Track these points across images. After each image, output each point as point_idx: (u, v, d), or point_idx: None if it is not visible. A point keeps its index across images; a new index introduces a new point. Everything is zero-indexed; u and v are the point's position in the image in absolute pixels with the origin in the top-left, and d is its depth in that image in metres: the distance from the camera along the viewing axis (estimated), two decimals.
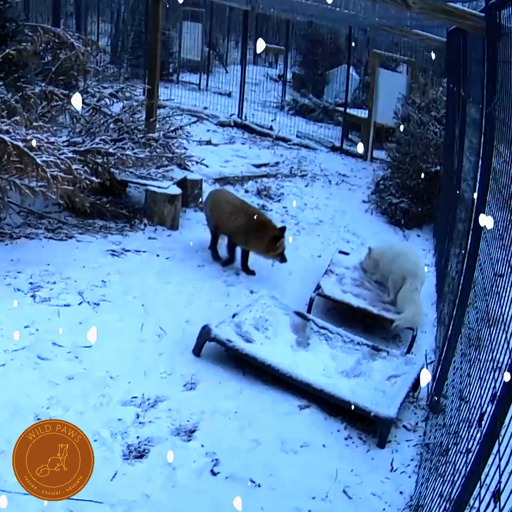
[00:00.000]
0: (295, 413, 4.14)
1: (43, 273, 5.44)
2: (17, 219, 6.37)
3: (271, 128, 12.96)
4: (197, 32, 17.01)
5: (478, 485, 2.08)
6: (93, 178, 6.07)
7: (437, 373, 4.37)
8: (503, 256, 2.61)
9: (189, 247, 6.52)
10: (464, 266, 3.97)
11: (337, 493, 3.51)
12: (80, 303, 5.08)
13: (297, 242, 7.23)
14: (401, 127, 8.77)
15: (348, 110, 13.07)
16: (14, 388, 3.89)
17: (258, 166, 10.23)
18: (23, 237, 6.08)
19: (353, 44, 14.45)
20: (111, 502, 3.17)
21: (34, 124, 6.04)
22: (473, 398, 2.64)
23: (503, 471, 1.82)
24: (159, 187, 7.03)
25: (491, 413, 2.07)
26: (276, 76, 19.85)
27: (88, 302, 5.11)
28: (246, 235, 6.13)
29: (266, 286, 5.80)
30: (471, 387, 2.90)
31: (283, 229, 6.10)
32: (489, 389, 2.27)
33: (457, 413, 3.30)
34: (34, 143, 5.39)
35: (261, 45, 3.13)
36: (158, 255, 6.31)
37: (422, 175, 8.06)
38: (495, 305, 2.69)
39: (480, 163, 3.84)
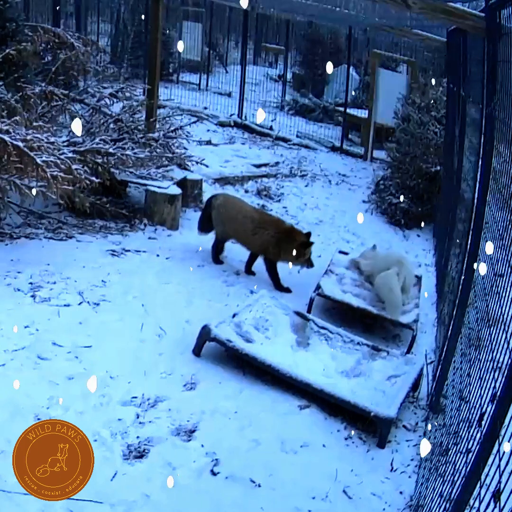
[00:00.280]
0: (295, 413, 4.13)
1: (43, 273, 5.44)
2: (17, 219, 6.37)
3: (271, 128, 12.96)
4: (197, 32, 17.01)
5: (478, 485, 2.08)
6: (93, 178, 6.07)
7: (437, 373, 4.36)
8: (503, 256, 2.61)
9: (189, 247, 6.52)
10: (464, 266, 3.97)
11: (337, 493, 3.51)
12: (80, 303, 5.08)
13: None
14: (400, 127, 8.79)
15: (348, 110, 13.07)
16: (14, 388, 3.89)
17: (258, 166, 10.23)
18: (23, 237, 6.08)
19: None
20: (111, 502, 3.17)
21: (34, 124, 6.04)
22: (473, 398, 2.64)
23: (503, 471, 1.82)
24: (159, 187, 7.04)
25: (491, 413, 2.07)
26: (276, 76, 19.84)
27: (88, 302, 5.12)
28: (277, 247, 5.98)
29: (266, 286, 5.80)
30: (471, 387, 2.90)
31: (309, 234, 6.02)
32: (489, 389, 2.27)
33: (457, 413, 3.30)
34: (34, 143, 5.39)
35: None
36: (158, 255, 6.31)
37: (423, 176, 8.06)
38: (495, 305, 2.69)
39: (480, 163, 3.84)
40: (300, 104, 15.45)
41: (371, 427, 4.07)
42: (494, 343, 2.42)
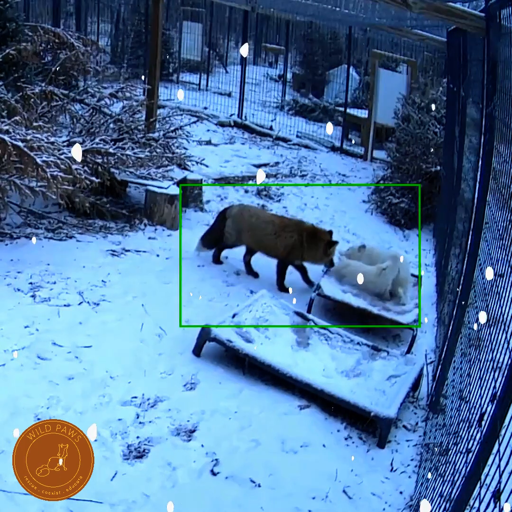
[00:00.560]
0: (295, 413, 4.13)
1: (43, 273, 5.45)
2: (17, 219, 6.37)
3: (271, 128, 12.96)
4: (197, 32, 17.00)
5: (478, 485, 2.08)
6: (93, 178, 6.07)
7: (437, 373, 4.36)
8: (503, 256, 2.61)
9: (189, 247, 6.51)
10: (464, 266, 3.97)
11: (337, 493, 3.51)
12: (80, 303, 5.08)
13: None
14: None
15: (348, 110, 13.06)
16: (14, 388, 3.89)
17: (258, 166, 10.21)
18: (23, 237, 6.08)
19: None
20: (111, 502, 3.17)
21: (34, 124, 6.04)
22: (473, 398, 2.64)
23: (503, 471, 1.82)
24: (159, 187, 7.03)
25: (491, 413, 2.07)
26: (276, 76, 19.84)
27: (88, 302, 5.12)
28: (301, 249, 5.91)
29: (266, 286, 5.79)
30: (471, 387, 2.90)
31: (331, 233, 5.98)
32: (489, 389, 2.27)
33: (457, 413, 3.30)
34: (34, 143, 5.39)
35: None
36: (158, 255, 6.31)
37: (423, 176, 8.06)
38: (495, 305, 2.68)
39: (480, 163, 3.84)
40: (300, 104, 15.45)
41: (371, 427, 4.07)
42: (494, 343, 2.42)
